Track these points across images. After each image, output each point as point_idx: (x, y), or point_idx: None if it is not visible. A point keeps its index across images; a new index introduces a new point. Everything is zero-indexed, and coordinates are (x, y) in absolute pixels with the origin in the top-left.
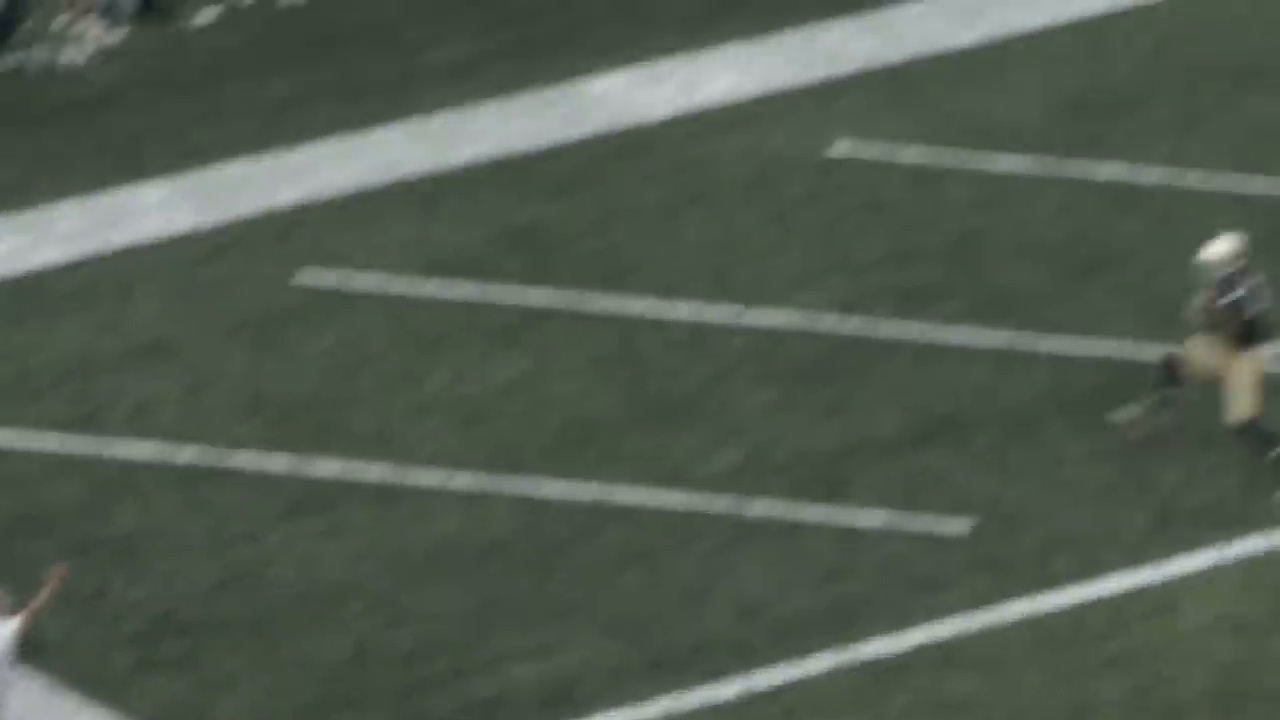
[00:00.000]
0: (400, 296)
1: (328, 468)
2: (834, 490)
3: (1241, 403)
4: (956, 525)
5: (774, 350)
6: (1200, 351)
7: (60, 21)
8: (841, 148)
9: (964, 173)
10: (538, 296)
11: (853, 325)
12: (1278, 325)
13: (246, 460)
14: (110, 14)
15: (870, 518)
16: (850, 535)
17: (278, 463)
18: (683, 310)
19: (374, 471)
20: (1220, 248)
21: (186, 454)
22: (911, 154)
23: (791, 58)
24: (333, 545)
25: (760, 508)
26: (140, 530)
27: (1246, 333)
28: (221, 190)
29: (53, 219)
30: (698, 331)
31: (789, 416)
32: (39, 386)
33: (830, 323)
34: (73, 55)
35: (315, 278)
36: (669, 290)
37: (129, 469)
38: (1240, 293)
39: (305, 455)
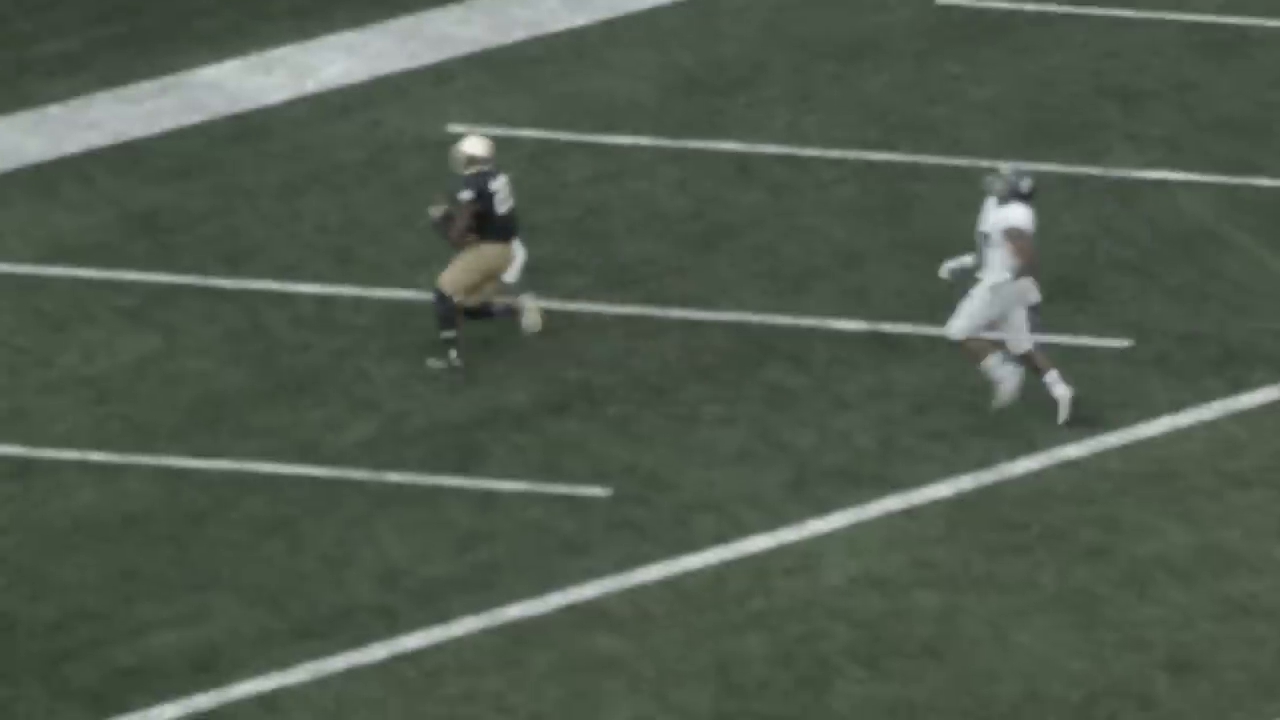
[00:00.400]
0: (24, 278)
1: None
2: (470, 459)
3: (453, 275)
4: (595, 490)
5: (402, 324)
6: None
7: None
8: (457, 129)
9: (581, 149)
10: (163, 277)
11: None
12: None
13: None
14: None
15: (508, 484)
16: (489, 501)
17: None
18: (307, 288)
19: (7, 449)
20: (471, 144)
21: None
22: (527, 133)
23: (402, 42)
24: None
25: (397, 477)
26: None
27: (489, 227)
28: None
29: None
30: (324, 307)
31: (420, 388)
32: None
33: None
34: None
35: None
36: (292, 270)
37: None
38: (480, 191)
39: None
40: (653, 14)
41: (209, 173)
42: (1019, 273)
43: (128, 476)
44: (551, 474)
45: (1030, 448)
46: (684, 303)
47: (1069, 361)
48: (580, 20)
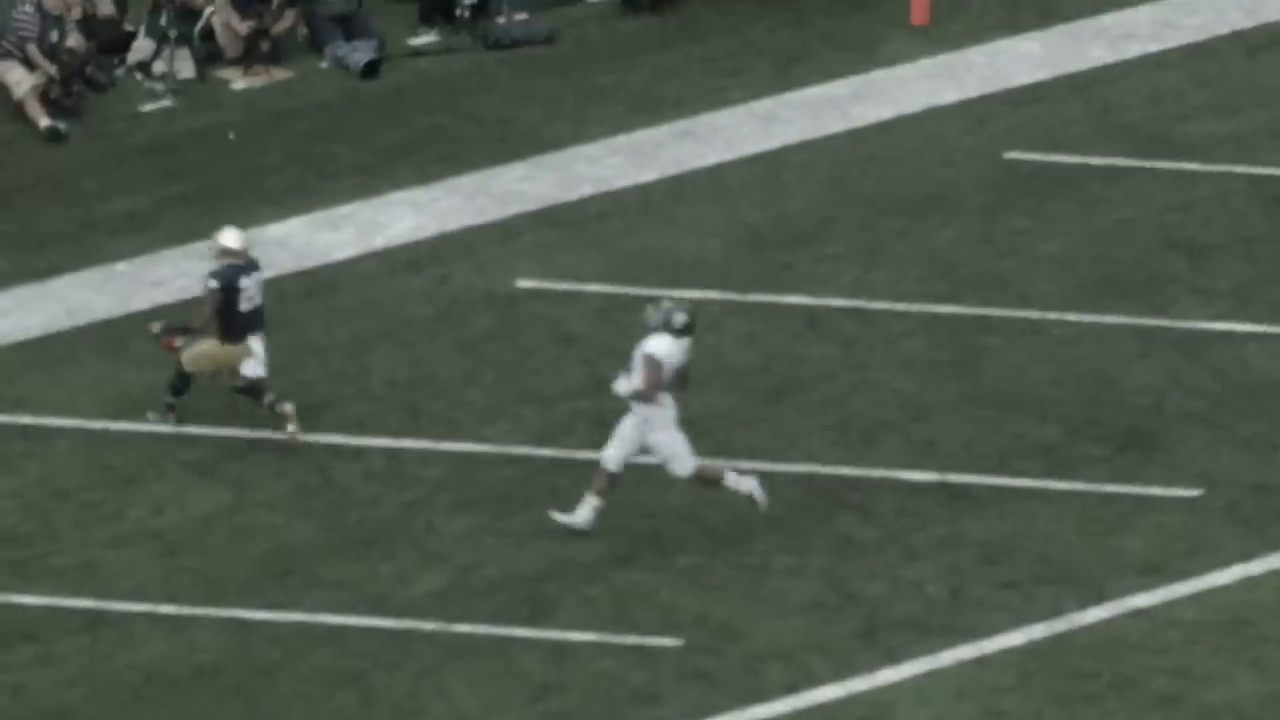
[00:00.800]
0: (94, 434)
1: (32, 600)
2: (540, 611)
3: (194, 358)
4: (665, 640)
5: (471, 478)
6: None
7: None
8: (525, 284)
9: (648, 304)
10: (232, 432)
11: (547, 452)
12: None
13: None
14: None
15: (579, 635)
16: (559, 652)
17: None
18: (377, 441)
19: (78, 602)
20: (226, 236)
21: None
22: (594, 289)
23: (469, 199)
24: (43, 673)
25: (467, 628)
26: None
27: (229, 320)
28: None
29: None
30: (393, 461)
31: (491, 541)
32: None
33: (525, 450)
34: None
35: (5, 419)
36: (361, 425)
37: None
38: (226, 283)
39: (7, 590)
40: (718, 170)
41: (278, 329)
42: (637, 397)
43: (198, 629)
44: (622, 625)
45: (1100, 597)
46: (753, 455)
47: (1139, 511)
48: (646, 176)
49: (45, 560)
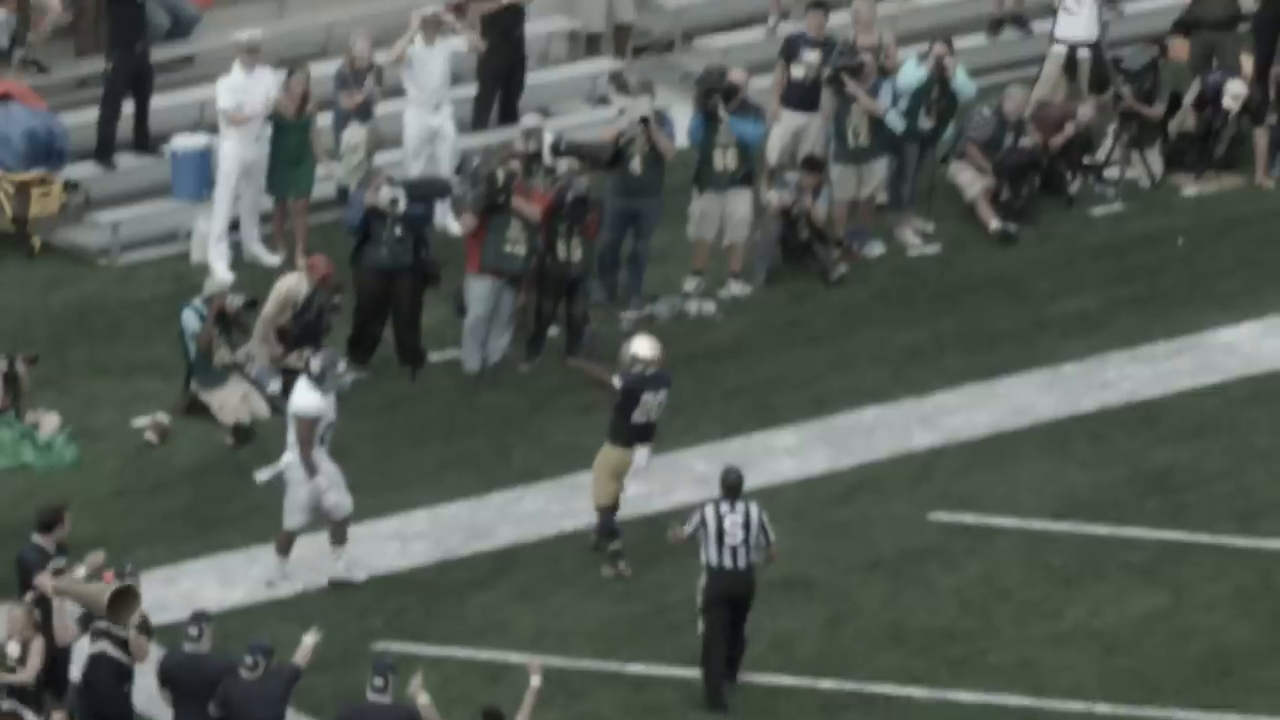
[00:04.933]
0: (1035, 533)
1: (967, 697)
2: None
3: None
4: None
5: None
6: None
7: (691, 283)
8: None
9: None
10: (1173, 535)
11: None
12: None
13: (887, 691)
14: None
15: None
16: None
17: (917, 693)
18: None
19: (1013, 700)
20: (637, 344)
21: (827, 684)
22: None
23: None
24: None
25: None
26: None
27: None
28: (853, 435)
29: (685, 463)
30: None
31: None
32: (677, 619)
33: None
34: (702, 305)
35: (949, 517)
36: None
37: (770, 696)
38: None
39: (944, 686)
40: None
41: (1222, 432)
42: (299, 456)
43: None
44: None
45: None
46: None
47: None
48: None
49: (982, 657)
